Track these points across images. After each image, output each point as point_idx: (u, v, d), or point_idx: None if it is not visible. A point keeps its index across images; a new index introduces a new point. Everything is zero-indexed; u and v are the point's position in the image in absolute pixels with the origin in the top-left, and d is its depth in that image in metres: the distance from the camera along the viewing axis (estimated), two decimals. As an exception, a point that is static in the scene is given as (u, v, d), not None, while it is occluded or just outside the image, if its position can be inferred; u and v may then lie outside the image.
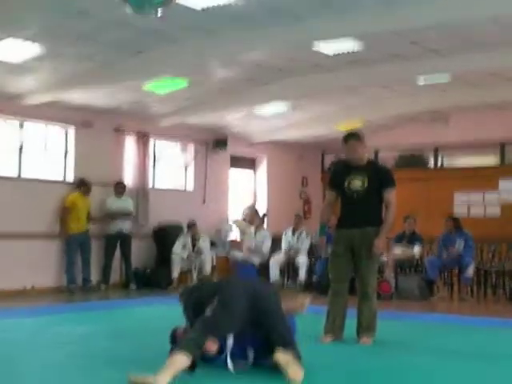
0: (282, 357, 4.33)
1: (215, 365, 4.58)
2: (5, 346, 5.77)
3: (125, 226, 11.73)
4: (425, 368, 5.00)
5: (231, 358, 4.56)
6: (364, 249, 6.02)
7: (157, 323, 6.74)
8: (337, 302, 6.13)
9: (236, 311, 4.49)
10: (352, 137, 6.16)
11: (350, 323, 6.11)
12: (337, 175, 6.34)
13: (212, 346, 4.37)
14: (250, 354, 4.62)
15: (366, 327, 6.05)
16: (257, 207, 14.16)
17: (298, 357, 4.44)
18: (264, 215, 14.20)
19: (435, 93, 12.11)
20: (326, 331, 6.11)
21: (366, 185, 6.03)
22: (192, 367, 4.23)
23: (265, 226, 13.68)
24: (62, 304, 9.74)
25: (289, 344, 4.49)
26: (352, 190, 6.08)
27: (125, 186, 11.92)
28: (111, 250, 11.63)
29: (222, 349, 4.51)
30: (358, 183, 6.06)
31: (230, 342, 4.53)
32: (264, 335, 4.54)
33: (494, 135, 13.85)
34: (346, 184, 6.11)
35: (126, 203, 11.83)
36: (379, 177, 6.11)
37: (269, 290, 4.90)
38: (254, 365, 4.63)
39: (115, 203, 11.71)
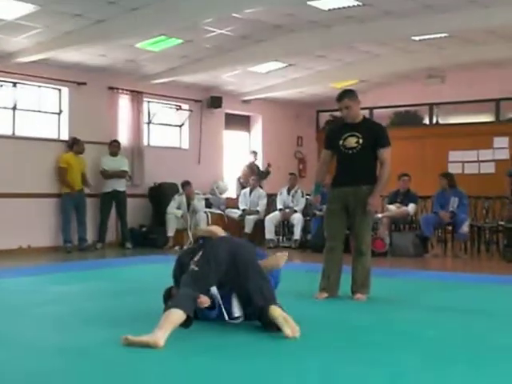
0: (278, 312, 4.37)
1: (209, 319, 4.63)
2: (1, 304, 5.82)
3: (120, 184, 11.74)
4: (417, 323, 5.06)
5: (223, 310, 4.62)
6: (358, 206, 6.02)
7: (153, 282, 6.77)
8: (332, 259, 6.17)
9: (218, 262, 4.55)
10: (345, 94, 6.12)
11: (346, 280, 6.16)
12: (332, 133, 6.32)
13: (205, 300, 4.42)
14: (238, 310, 4.65)
15: (360, 284, 6.10)
16: (255, 164, 14.19)
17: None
18: (268, 168, 14.18)
19: (432, 50, 12.06)
20: (321, 288, 6.15)
21: (360, 142, 6.02)
22: (188, 322, 4.27)
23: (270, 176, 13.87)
24: (59, 263, 9.79)
25: (269, 298, 4.49)
26: (347, 148, 6.06)
27: (119, 145, 11.88)
28: (106, 208, 11.65)
29: (213, 304, 4.55)
30: (352, 141, 6.04)
31: (218, 296, 4.56)
32: (246, 291, 4.57)
33: (490, 93, 13.83)
34: (341, 142, 6.09)
35: (121, 162, 11.80)
36: (374, 135, 6.08)
37: (246, 244, 4.99)
38: (246, 320, 4.67)
39: (110, 162, 11.69)
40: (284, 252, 5.05)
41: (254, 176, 13.37)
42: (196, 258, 4.66)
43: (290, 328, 4.30)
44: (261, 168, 14.24)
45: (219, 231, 4.98)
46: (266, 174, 14.12)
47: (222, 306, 4.58)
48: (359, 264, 6.11)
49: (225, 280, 4.59)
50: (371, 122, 6.63)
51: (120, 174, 11.71)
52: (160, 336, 4.02)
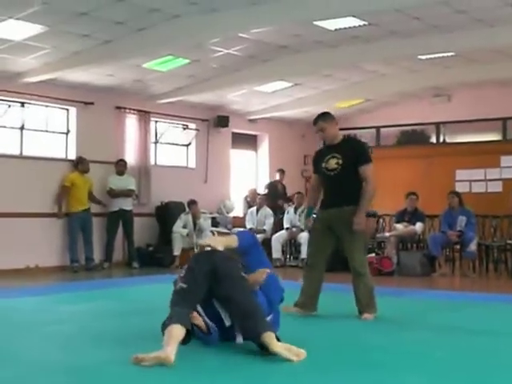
0: (275, 344, 4.18)
1: (209, 344, 4.59)
2: (7, 324, 5.81)
3: (127, 203, 11.76)
4: (425, 343, 5.02)
5: (221, 337, 4.56)
6: (344, 228, 6.01)
7: (159, 302, 6.74)
8: (310, 277, 6.19)
9: (199, 275, 4.45)
10: (319, 117, 6.20)
11: (350, 298, 6.14)
12: (316, 157, 6.36)
13: (196, 316, 4.40)
14: (227, 321, 4.56)
15: (365, 304, 6.06)
16: (282, 183, 14.27)
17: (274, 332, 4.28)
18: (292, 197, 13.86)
19: (437, 69, 12.08)
20: (295, 303, 6.13)
21: (340, 163, 6.03)
22: (187, 338, 4.25)
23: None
24: (66, 283, 9.79)
25: (260, 319, 4.33)
26: (328, 170, 6.10)
27: (126, 164, 11.92)
28: (113, 228, 11.66)
29: (208, 329, 4.51)
30: (333, 162, 6.06)
31: (205, 317, 4.50)
32: (230, 302, 4.45)
33: (496, 112, 13.83)
34: (323, 165, 6.14)
35: (128, 181, 11.84)
36: (354, 153, 6.07)
37: (230, 261, 4.68)
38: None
39: (117, 181, 11.73)
40: (265, 269, 4.93)
41: (259, 197, 13.41)
42: (182, 274, 4.58)
43: (295, 355, 4.16)
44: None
45: (218, 242, 4.73)
46: (288, 200, 13.93)
47: (211, 324, 4.50)
48: (360, 283, 6.09)
49: (209, 295, 4.50)
50: (351, 140, 6.62)
51: (127, 193, 11.74)
52: (170, 351, 4.00)
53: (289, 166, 15.50)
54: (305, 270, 6.30)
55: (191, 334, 4.32)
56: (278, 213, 13.14)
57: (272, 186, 14.12)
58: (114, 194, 11.63)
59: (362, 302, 6.07)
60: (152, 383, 3.73)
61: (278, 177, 14.40)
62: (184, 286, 4.47)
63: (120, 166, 11.83)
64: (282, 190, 14.20)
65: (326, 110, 6.56)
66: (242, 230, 5.31)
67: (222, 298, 4.47)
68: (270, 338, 4.20)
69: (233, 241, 4.81)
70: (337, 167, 6.04)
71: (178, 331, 4.16)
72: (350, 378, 3.90)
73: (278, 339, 4.25)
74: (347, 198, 6.04)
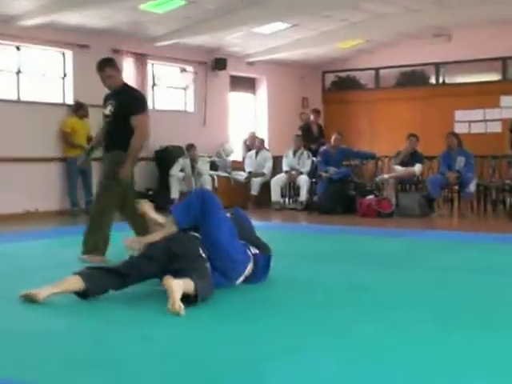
0: (169, 282, 4.06)
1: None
2: (10, 268, 5.86)
3: (128, 148, 11.73)
4: (425, 282, 5.09)
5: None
6: (104, 169, 6.29)
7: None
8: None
9: (153, 251, 4.50)
10: (106, 64, 6.21)
11: (349, 240, 6.18)
12: (103, 101, 6.40)
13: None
14: None
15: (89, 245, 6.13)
16: (318, 124, 13.96)
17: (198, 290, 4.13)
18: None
19: (437, 8, 11.93)
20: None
21: (113, 110, 6.11)
22: (84, 295, 4.32)
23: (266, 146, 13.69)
24: (66, 227, 9.83)
25: (193, 269, 4.30)
26: (105, 115, 6.22)
27: None
28: None
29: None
30: (108, 109, 6.17)
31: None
32: None
33: (496, 51, 13.70)
34: (103, 110, 6.26)
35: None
36: (127, 102, 6.11)
37: (188, 237, 4.62)
38: None
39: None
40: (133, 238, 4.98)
41: (258, 140, 13.33)
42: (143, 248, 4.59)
43: (172, 305, 3.96)
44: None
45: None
46: (323, 142, 13.32)
47: None
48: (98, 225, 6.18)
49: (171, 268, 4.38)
50: (128, 89, 6.42)
51: None
52: (42, 294, 4.25)
53: (287, 109, 15.43)
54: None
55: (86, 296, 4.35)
56: (311, 155, 12.61)
57: (306, 127, 13.85)
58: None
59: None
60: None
61: (312, 118, 13.96)
62: (134, 257, 4.53)
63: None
64: (318, 130, 13.81)
65: (109, 57, 6.80)
66: (178, 204, 5.16)
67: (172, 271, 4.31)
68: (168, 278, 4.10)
69: (170, 227, 4.70)
70: (110, 114, 6.14)
71: (70, 281, 4.29)
72: (353, 315, 3.96)
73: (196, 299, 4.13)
74: (114, 144, 6.15)
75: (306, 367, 3.01)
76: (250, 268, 4.74)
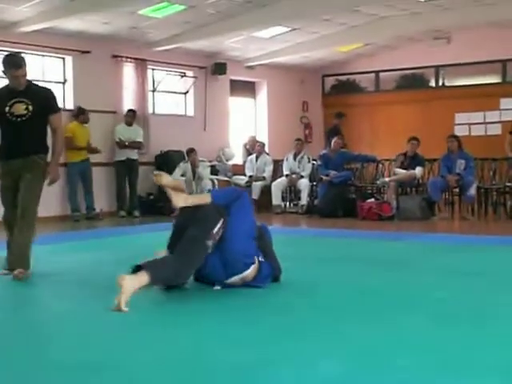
0: (121, 282, 4.18)
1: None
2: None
3: (133, 153, 11.79)
4: (425, 285, 5.08)
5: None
6: (26, 177, 5.60)
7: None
8: (11, 234, 5.69)
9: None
10: (22, 62, 5.52)
11: (344, 244, 6.18)
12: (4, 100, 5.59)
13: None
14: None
15: (17, 257, 5.54)
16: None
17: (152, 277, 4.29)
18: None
19: (437, 11, 11.93)
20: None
21: (31, 109, 5.50)
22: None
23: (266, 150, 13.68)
24: (67, 232, 9.83)
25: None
26: (15, 115, 5.51)
27: (135, 115, 11.86)
28: (122, 177, 11.70)
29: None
30: (22, 107, 5.49)
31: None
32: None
33: (496, 54, 13.71)
34: (7, 109, 5.51)
35: (136, 132, 11.83)
36: (45, 101, 5.61)
37: (215, 210, 4.74)
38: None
39: (125, 132, 11.71)
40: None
41: (258, 144, 13.32)
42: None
43: (118, 299, 4.10)
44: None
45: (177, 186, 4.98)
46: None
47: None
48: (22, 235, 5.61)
49: None
50: (39, 87, 5.86)
51: (136, 146, 11.77)
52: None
53: (287, 112, 15.45)
54: (6, 229, 5.73)
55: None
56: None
57: (334, 130, 13.81)
58: (122, 145, 11.64)
59: (16, 254, 5.57)
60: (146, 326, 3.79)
61: (336, 121, 14.02)
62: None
63: (128, 117, 11.80)
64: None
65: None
66: (224, 188, 5.22)
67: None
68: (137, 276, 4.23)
69: (206, 198, 4.85)
70: (26, 113, 5.51)
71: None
72: (350, 318, 3.96)
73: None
74: (36, 146, 5.63)
75: (307, 371, 3.01)
76: (250, 272, 4.74)
